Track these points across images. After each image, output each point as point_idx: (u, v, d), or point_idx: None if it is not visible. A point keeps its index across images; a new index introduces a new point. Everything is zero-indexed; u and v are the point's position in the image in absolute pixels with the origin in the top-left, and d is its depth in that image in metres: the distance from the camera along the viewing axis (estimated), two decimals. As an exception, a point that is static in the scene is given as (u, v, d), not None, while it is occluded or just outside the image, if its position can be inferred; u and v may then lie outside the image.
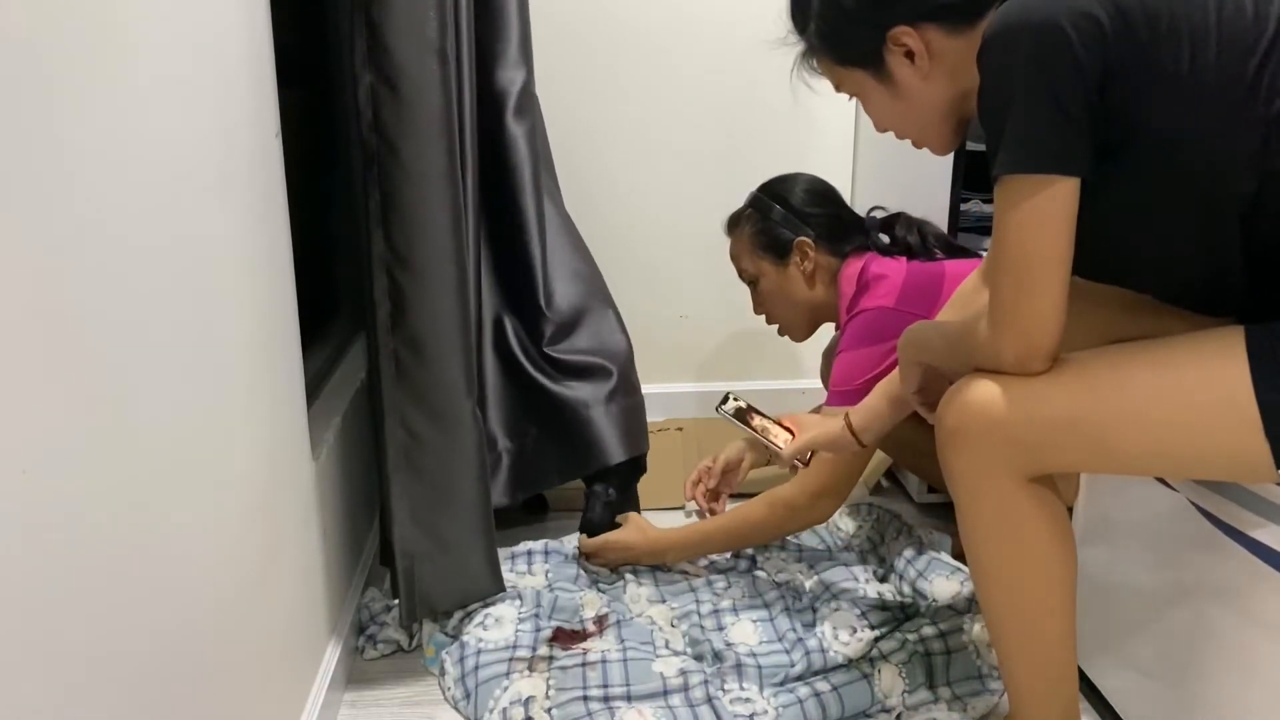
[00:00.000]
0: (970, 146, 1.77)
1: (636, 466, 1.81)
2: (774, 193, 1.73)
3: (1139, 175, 0.94)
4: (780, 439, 1.41)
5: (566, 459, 1.74)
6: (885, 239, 1.69)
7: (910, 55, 1.07)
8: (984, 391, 1.00)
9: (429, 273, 1.29)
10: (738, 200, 1.78)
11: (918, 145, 1.16)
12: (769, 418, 1.47)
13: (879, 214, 1.74)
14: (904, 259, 1.64)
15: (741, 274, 1.79)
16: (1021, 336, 0.96)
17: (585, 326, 1.81)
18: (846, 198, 2.33)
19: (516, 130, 1.78)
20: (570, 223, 1.90)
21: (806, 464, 1.42)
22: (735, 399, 1.51)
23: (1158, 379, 0.95)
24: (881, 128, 1.17)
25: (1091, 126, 0.91)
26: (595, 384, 1.76)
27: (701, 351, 2.43)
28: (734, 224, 1.78)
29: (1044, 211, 0.92)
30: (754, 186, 1.77)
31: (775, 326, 1.80)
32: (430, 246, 1.28)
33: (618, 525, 1.68)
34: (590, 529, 1.68)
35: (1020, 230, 0.93)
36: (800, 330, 1.78)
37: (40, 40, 0.64)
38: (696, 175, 2.31)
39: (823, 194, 1.73)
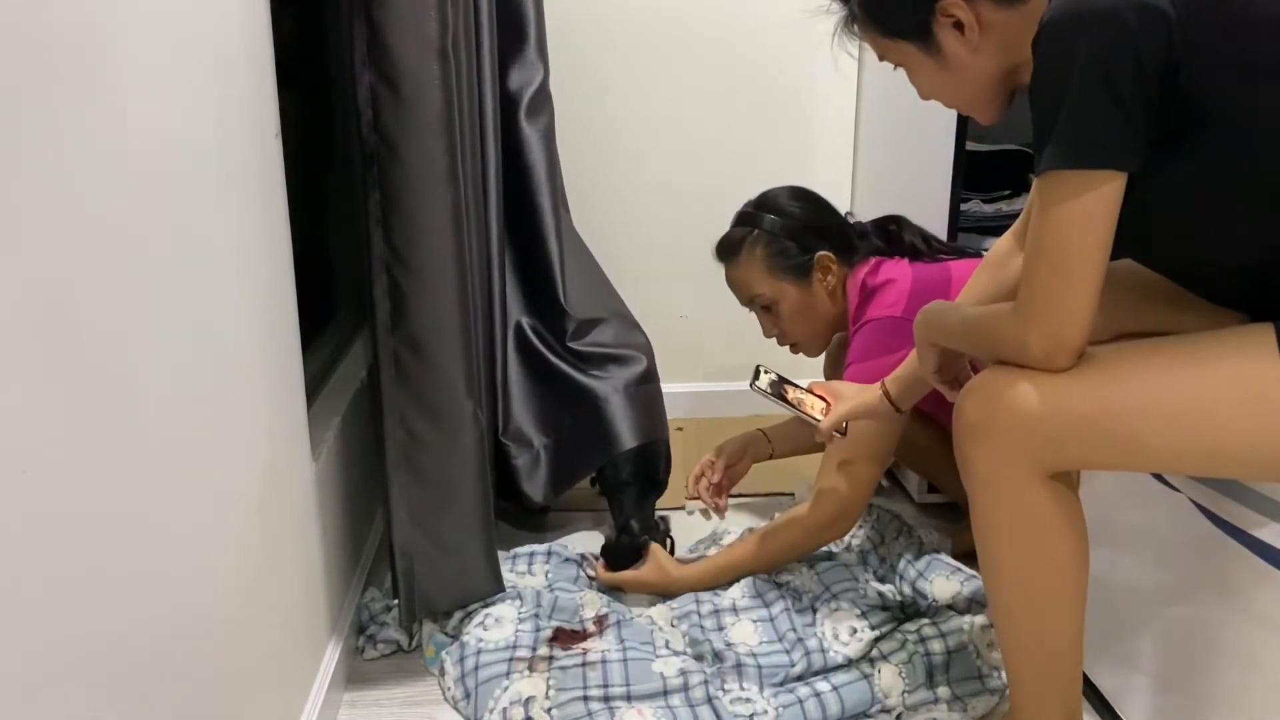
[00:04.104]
0: (971, 146, 1.77)
1: (655, 483, 1.80)
2: (777, 209, 1.64)
3: (1200, 162, 0.93)
4: (817, 410, 1.38)
5: (592, 446, 1.74)
6: (880, 242, 1.66)
7: (959, 27, 1.03)
8: (1008, 384, 0.98)
9: (429, 273, 1.29)
10: (737, 201, 1.73)
11: (964, 114, 1.13)
12: (802, 388, 1.43)
13: (852, 218, 1.70)
14: (906, 261, 1.61)
15: (751, 300, 1.69)
16: (1051, 331, 0.95)
17: (606, 322, 1.82)
18: (847, 198, 2.34)
19: (529, 131, 1.78)
20: (573, 227, 1.91)
21: (844, 434, 1.39)
22: (766, 371, 1.45)
23: (1187, 375, 0.95)
24: (926, 97, 1.14)
25: (1147, 120, 0.90)
26: (624, 369, 1.76)
27: (701, 351, 2.43)
28: (734, 250, 1.66)
29: (1089, 209, 0.91)
30: (753, 186, 1.73)
31: (788, 345, 1.74)
32: (430, 246, 1.28)
33: (640, 556, 1.62)
34: (611, 560, 1.63)
35: (1062, 226, 0.92)
36: (819, 346, 1.74)
37: (39, 40, 0.63)
38: (697, 175, 2.30)
39: (819, 203, 1.68)
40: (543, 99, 1.81)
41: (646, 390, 1.77)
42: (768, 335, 1.74)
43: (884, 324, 1.52)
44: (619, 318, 1.84)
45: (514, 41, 1.78)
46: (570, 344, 1.77)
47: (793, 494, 1.95)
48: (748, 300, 1.70)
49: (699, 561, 1.63)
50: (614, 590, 1.60)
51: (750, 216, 1.66)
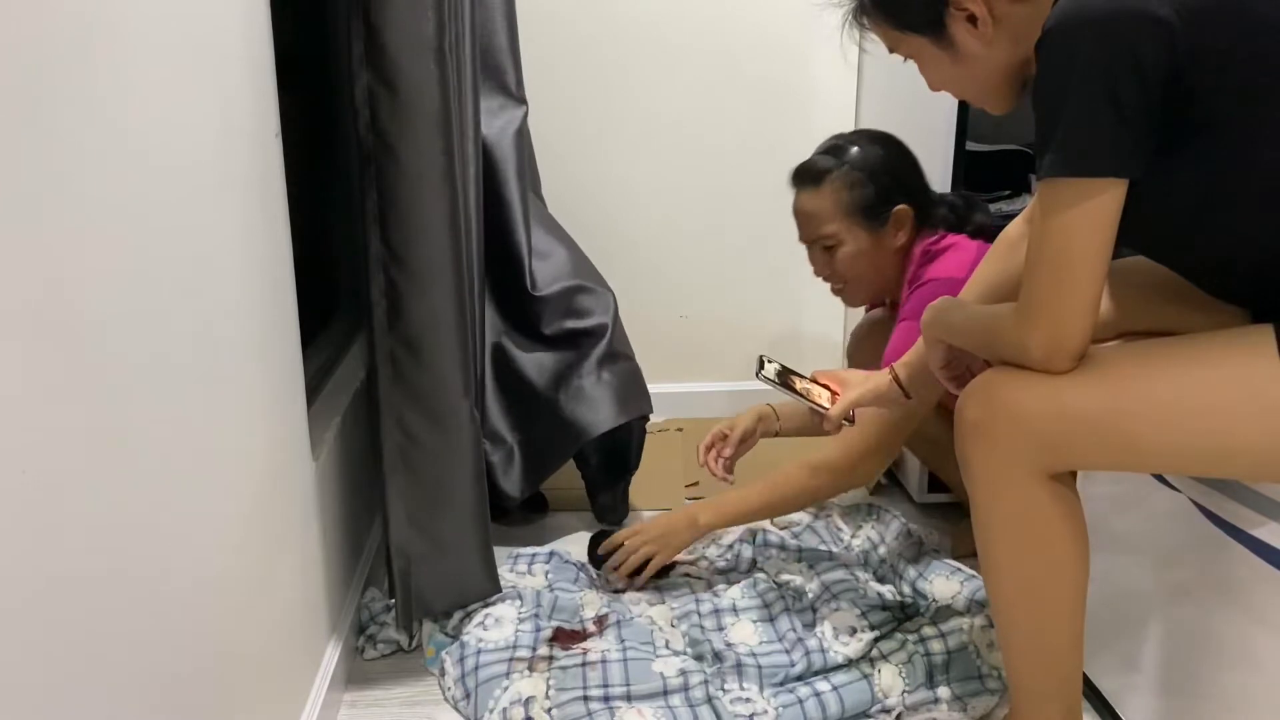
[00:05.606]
0: (971, 146, 1.77)
1: (627, 465, 1.81)
2: (868, 150, 1.59)
3: (1205, 164, 0.93)
4: (824, 398, 1.37)
5: (561, 437, 1.74)
6: (950, 215, 1.63)
7: (972, 20, 1.03)
8: (1009, 385, 0.99)
9: (426, 272, 1.29)
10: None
11: (975, 105, 1.12)
12: (806, 377, 1.42)
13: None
14: (967, 237, 1.59)
15: (814, 234, 1.62)
16: (1051, 335, 0.95)
17: (577, 295, 1.82)
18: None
19: (493, 133, 1.79)
20: (546, 211, 1.93)
21: (852, 422, 1.38)
22: (770, 361, 1.44)
23: (1187, 376, 0.95)
24: (936, 89, 1.14)
25: (1149, 126, 0.90)
26: (591, 349, 1.77)
27: (701, 351, 2.43)
28: (815, 179, 1.60)
29: (1090, 216, 0.91)
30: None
31: (830, 286, 1.69)
32: (427, 246, 1.28)
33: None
34: (596, 559, 1.64)
35: (1063, 234, 0.92)
36: (864, 297, 1.70)
37: (39, 40, 0.63)
38: (696, 173, 2.30)
39: (911, 159, 1.63)
40: (509, 103, 1.81)
41: (615, 371, 1.77)
42: (818, 274, 1.68)
43: (946, 284, 1.49)
44: (591, 290, 1.84)
45: (484, 46, 1.79)
46: (540, 328, 1.78)
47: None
48: (812, 236, 1.64)
49: (716, 499, 1.58)
50: (613, 590, 1.60)
51: (840, 150, 1.61)
